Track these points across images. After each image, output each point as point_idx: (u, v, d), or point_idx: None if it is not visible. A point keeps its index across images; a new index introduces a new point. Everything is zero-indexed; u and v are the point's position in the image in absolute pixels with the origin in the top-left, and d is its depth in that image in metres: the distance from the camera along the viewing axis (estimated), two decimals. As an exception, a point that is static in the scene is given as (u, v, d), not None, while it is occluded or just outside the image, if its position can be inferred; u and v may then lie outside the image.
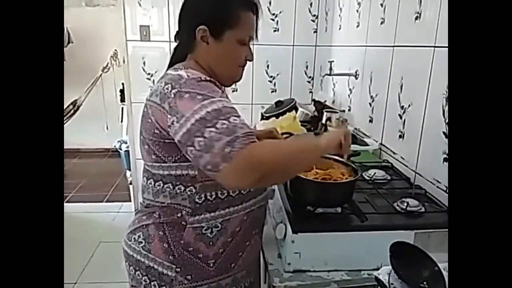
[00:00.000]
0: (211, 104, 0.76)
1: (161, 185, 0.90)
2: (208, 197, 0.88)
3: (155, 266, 0.90)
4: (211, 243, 0.90)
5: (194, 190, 0.88)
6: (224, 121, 0.74)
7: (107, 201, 3.52)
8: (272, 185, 1.01)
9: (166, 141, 0.84)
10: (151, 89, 0.89)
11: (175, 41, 1.01)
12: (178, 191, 0.89)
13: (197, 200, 0.88)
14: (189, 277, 0.90)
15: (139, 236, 0.93)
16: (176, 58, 0.98)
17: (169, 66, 0.97)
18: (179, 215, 0.89)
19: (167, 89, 0.82)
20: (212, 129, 0.73)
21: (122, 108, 3.51)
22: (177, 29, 1.00)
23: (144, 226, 0.93)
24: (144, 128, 0.90)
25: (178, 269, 0.89)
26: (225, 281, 0.94)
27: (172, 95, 0.80)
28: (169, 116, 0.80)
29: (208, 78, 0.85)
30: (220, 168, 0.71)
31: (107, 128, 4.55)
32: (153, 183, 0.92)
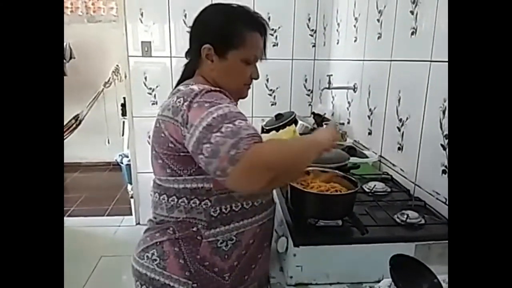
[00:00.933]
0: (217, 110, 0.77)
1: (175, 200, 0.90)
2: (223, 210, 0.89)
3: (171, 283, 0.89)
4: (226, 256, 0.91)
5: (209, 204, 0.88)
6: (229, 125, 0.74)
7: (108, 215, 3.51)
8: (282, 185, 1.03)
9: (181, 154, 0.85)
10: (161, 105, 0.90)
11: (186, 58, 1.04)
12: (193, 205, 0.89)
13: (212, 213, 0.89)
14: None
15: (152, 254, 0.92)
16: (186, 74, 1.01)
17: (179, 81, 1.00)
18: (194, 229, 0.89)
19: (179, 102, 0.83)
20: (218, 133, 0.73)
21: (124, 122, 3.54)
22: (182, 44, 1.03)
23: (158, 244, 0.92)
24: (157, 143, 0.90)
25: (194, 285, 0.89)
26: None
27: (185, 107, 0.81)
28: (182, 128, 0.81)
29: (218, 89, 0.87)
30: (228, 172, 0.71)
31: (108, 142, 4.57)
32: (166, 198, 0.92)
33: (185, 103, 0.82)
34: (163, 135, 0.87)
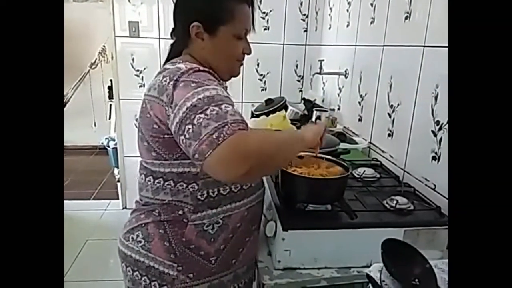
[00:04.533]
0: (204, 91, 0.75)
1: (162, 182, 0.88)
2: (211, 194, 0.87)
3: (156, 266, 0.88)
4: (212, 240, 0.89)
5: (196, 187, 0.86)
6: (215, 108, 0.72)
7: (94, 199, 3.47)
8: (260, 177, 1.00)
9: (166, 136, 0.82)
10: (148, 85, 0.87)
11: (171, 38, 0.99)
12: (180, 187, 0.87)
13: (199, 197, 0.87)
14: (190, 275, 0.89)
15: (137, 236, 0.91)
16: (173, 55, 0.96)
17: (165, 62, 0.96)
18: (180, 212, 0.88)
19: (165, 81, 0.80)
20: (202, 115, 0.71)
21: (110, 105, 3.47)
22: (171, 25, 0.98)
23: (143, 225, 0.91)
24: (143, 124, 0.87)
25: (179, 268, 0.88)
26: (226, 278, 0.94)
27: (170, 87, 0.78)
28: (166, 108, 0.78)
29: (206, 69, 0.84)
30: (206, 156, 0.68)
31: (94, 125, 4.49)
32: (152, 180, 0.90)
33: (171, 82, 0.79)
34: (148, 115, 0.84)
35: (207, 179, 0.86)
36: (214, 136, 0.68)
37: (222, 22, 0.89)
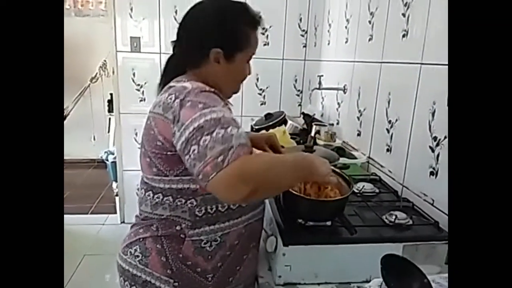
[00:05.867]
0: (211, 113, 0.76)
1: (161, 197, 0.89)
2: (209, 210, 0.88)
3: (152, 281, 0.88)
4: (209, 257, 0.89)
5: (195, 203, 0.87)
6: (221, 130, 0.74)
7: (92, 213, 3.45)
8: (263, 199, 1.01)
9: (169, 153, 0.84)
10: (154, 102, 0.89)
11: (173, 51, 0.99)
12: (178, 203, 0.87)
13: (197, 213, 0.87)
14: None
15: (135, 250, 0.91)
16: (175, 70, 0.96)
17: (163, 76, 0.98)
18: (178, 228, 0.88)
19: (171, 99, 0.82)
20: (207, 137, 0.73)
21: (110, 118, 3.48)
22: (171, 40, 0.99)
23: (141, 240, 0.91)
24: (146, 141, 0.89)
25: (176, 284, 0.87)
26: None
27: (176, 105, 0.80)
28: (172, 125, 0.80)
29: (212, 90, 0.86)
30: (210, 178, 0.70)
31: (94, 139, 4.49)
32: (151, 195, 0.90)
33: (177, 100, 0.80)
34: (152, 132, 0.86)
35: (206, 195, 0.87)
36: (219, 159, 0.70)
37: (241, 49, 0.92)
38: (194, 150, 0.73)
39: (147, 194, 0.92)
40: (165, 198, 0.88)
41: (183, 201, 0.87)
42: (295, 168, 0.82)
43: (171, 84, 0.90)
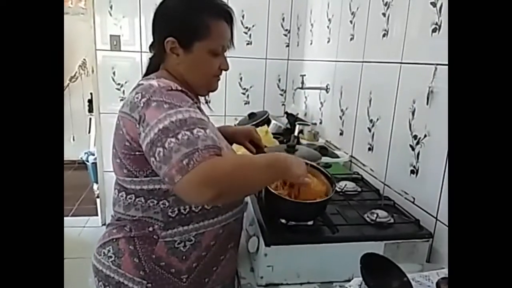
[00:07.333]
0: (176, 114, 0.75)
1: (133, 198, 0.87)
2: (182, 211, 0.86)
3: (125, 282, 0.86)
4: (184, 258, 0.88)
5: (167, 204, 0.85)
6: (187, 132, 0.72)
7: (72, 215, 3.37)
8: (234, 199, 0.98)
9: (137, 153, 0.82)
10: (123, 101, 0.87)
11: (150, 51, 0.99)
12: (150, 204, 0.86)
13: (170, 213, 0.86)
14: None
15: (108, 251, 0.89)
16: (151, 69, 0.96)
17: (144, 75, 0.96)
18: (150, 229, 0.87)
19: (137, 98, 0.80)
20: (173, 139, 0.71)
21: (90, 118, 3.41)
22: (151, 40, 0.98)
23: (114, 240, 0.89)
24: (116, 141, 0.87)
25: (149, 285, 0.86)
26: None
27: (142, 104, 0.78)
28: (137, 125, 0.78)
29: (179, 88, 0.83)
30: (176, 181, 0.69)
31: (73, 139, 4.39)
32: (124, 196, 0.89)
33: (143, 99, 0.79)
34: (121, 132, 0.84)
35: (178, 196, 0.85)
36: (184, 162, 0.69)
37: (197, 38, 0.88)
38: (159, 152, 0.72)
39: (120, 195, 0.90)
40: (137, 199, 0.87)
41: (155, 202, 0.86)
42: (266, 170, 0.80)
43: (140, 81, 0.88)
